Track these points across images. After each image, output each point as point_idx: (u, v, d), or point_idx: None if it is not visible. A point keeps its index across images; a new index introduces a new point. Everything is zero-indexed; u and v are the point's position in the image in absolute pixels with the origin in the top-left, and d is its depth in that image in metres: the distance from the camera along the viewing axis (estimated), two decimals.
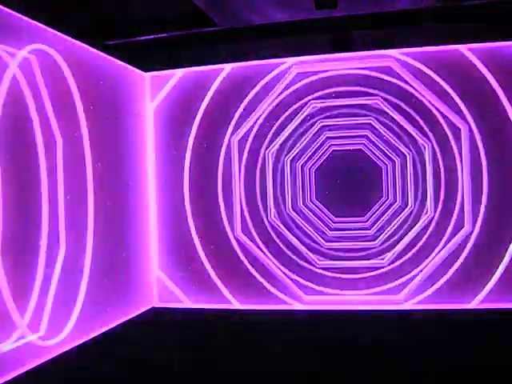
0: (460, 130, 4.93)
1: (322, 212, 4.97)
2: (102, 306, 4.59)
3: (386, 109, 4.90)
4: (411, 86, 4.99)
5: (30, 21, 3.81)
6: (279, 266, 5.36)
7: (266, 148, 4.99)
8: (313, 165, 4.94)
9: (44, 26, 3.97)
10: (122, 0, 4.57)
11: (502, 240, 4.87)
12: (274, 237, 5.44)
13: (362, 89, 4.68)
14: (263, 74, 5.36)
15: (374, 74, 4.66)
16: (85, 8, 4.35)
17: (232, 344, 4.29)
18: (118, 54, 5.06)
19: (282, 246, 5.40)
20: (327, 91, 4.65)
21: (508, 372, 3.36)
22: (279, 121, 4.91)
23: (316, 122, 4.82)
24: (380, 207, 4.89)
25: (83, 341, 4.29)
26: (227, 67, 5.42)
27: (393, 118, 4.74)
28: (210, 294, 5.47)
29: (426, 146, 4.97)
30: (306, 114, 4.72)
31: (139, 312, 5.28)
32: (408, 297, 4.84)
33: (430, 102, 4.97)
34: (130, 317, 5.07)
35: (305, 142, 4.93)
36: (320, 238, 5.07)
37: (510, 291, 4.85)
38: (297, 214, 5.20)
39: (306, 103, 4.78)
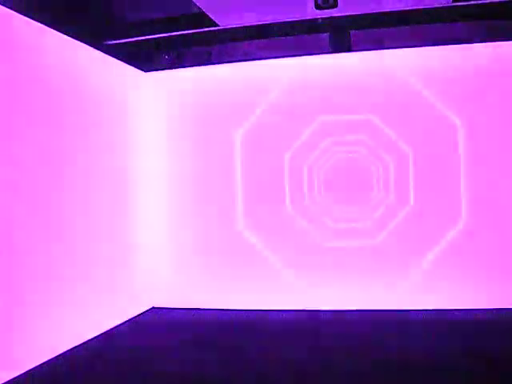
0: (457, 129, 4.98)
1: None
2: (102, 305, 4.59)
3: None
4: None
5: (30, 20, 3.82)
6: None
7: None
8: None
9: (44, 26, 3.97)
10: (122, 0, 4.58)
11: (502, 240, 4.88)
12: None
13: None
14: (263, 74, 5.37)
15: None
16: (85, 8, 4.36)
17: (232, 344, 4.29)
18: (118, 53, 5.06)
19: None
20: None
21: (508, 372, 3.36)
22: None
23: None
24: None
25: (83, 340, 4.29)
26: (228, 67, 5.42)
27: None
28: (209, 294, 5.47)
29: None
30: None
31: (139, 312, 5.28)
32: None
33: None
34: (130, 317, 5.08)
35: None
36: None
37: (510, 291, 4.86)
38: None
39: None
